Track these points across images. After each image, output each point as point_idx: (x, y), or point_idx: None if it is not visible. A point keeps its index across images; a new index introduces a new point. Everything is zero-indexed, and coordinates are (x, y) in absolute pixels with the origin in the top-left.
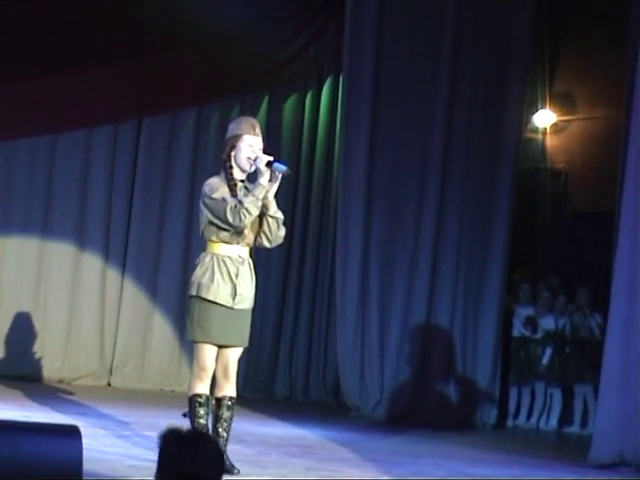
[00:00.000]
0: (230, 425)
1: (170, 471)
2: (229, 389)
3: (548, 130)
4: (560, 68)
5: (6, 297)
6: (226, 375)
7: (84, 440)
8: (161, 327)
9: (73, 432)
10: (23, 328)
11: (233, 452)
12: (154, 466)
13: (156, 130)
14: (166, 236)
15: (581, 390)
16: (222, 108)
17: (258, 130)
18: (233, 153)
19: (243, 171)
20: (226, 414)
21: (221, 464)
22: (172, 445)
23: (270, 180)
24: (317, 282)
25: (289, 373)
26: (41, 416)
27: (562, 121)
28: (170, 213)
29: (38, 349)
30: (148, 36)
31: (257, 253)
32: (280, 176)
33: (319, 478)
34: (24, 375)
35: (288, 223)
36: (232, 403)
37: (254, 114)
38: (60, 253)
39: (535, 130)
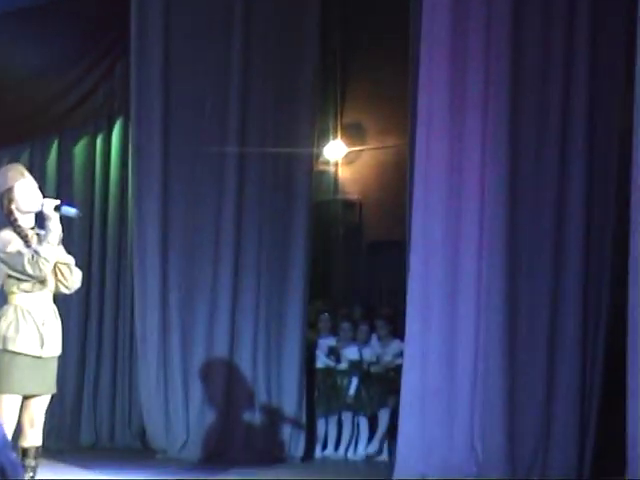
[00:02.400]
0: (36, 474)
1: None
2: (35, 439)
3: (340, 161)
4: (350, 99)
5: None
6: (32, 424)
7: None
8: None
9: None
10: None
11: None
12: None
13: None
14: None
15: (385, 416)
16: (11, 155)
17: (26, 173)
18: (13, 206)
19: (29, 214)
20: (32, 463)
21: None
22: None
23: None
24: (118, 324)
25: (94, 419)
26: None
27: (353, 152)
28: None
29: None
30: None
31: (55, 299)
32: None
33: None
34: None
35: (85, 266)
36: (38, 452)
37: (44, 159)
38: None
39: (327, 162)
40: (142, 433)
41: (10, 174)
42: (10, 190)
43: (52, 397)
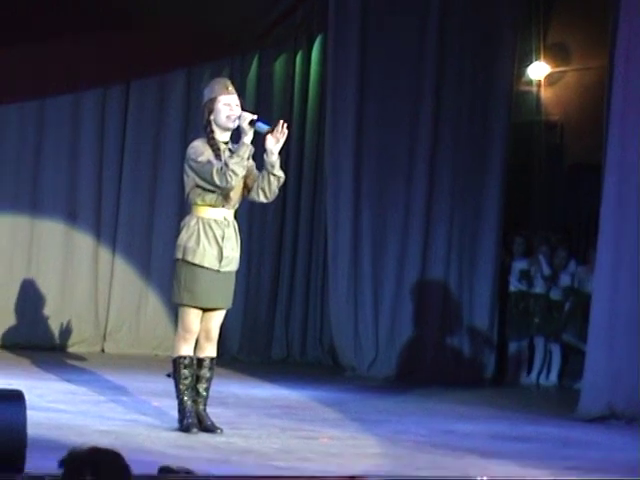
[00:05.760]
0: (210, 385)
1: None
2: (210, 350)
3: (542, 82)
4: (554, 19)
5: None
6: (208, 337)
7: (81, 406)
8: (156, 291)
9: (17, 397)
10: (15, 297)
11: (215, 415)
12: (122, 430)
13: (145, 94)
14: (159, 199)
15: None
16: (211, 69)
17: (232, 88)
18: (212, 117)
19: (226, 130)
20: (207, 374)
21: (125, 476)
22: (73, 466)
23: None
24: (313, 240)
25: (286, 334)
26: (34, 384)
27: (556, 72)
28: (162, 177)
29: (31, 316)
30: None
31: (251, 215)
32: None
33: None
34: (16, 343)
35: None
36: (213, 364)
37: (244, 74)
38: (51, 219)
39: (529, 82)
40: (333, 350)
41: (216, 87)
42: (213, 101)
43: (241, 312)
